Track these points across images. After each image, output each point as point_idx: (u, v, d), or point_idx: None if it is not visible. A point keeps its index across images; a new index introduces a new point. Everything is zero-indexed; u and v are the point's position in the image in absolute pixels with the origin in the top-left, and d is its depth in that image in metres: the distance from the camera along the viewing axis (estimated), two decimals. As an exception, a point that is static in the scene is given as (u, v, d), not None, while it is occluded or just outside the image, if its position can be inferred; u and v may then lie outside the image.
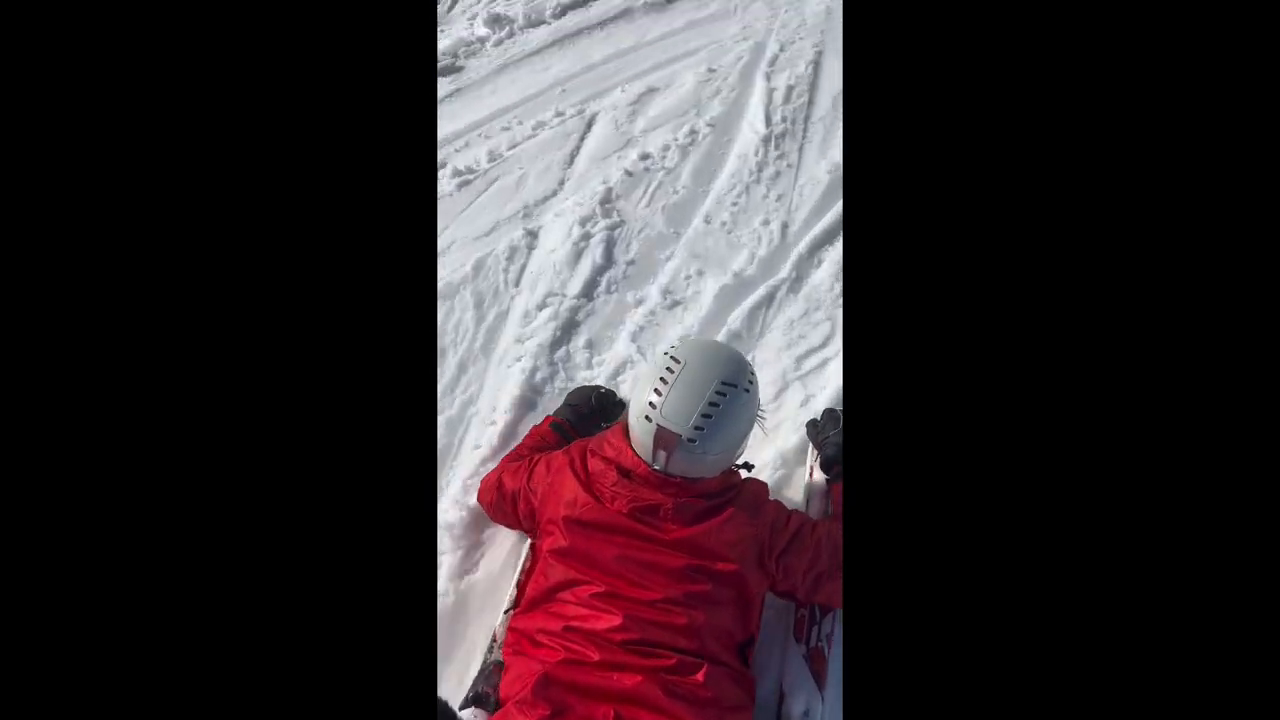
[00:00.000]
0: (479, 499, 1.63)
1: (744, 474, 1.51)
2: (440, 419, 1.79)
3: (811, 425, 1.70)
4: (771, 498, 1.47)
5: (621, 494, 1.38)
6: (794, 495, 1.67)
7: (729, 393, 1.34)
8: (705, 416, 1.31)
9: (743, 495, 1.42)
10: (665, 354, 1.39)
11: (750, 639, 1.42)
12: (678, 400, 1.32)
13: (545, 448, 1.62)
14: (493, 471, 1.62)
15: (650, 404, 1.34)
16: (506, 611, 1.49)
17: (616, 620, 1.30)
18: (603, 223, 2.23)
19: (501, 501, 1.56)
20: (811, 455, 1.69)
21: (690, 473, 1.36)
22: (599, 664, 1.28)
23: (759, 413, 1.43)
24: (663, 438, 1.33)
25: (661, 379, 1.35)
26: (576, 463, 1.44)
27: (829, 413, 1.69)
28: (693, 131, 2.50)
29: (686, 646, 1.30)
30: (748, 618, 1.40)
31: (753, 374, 1.41)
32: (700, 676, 1.28)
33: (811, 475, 1.67)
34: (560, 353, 1.96)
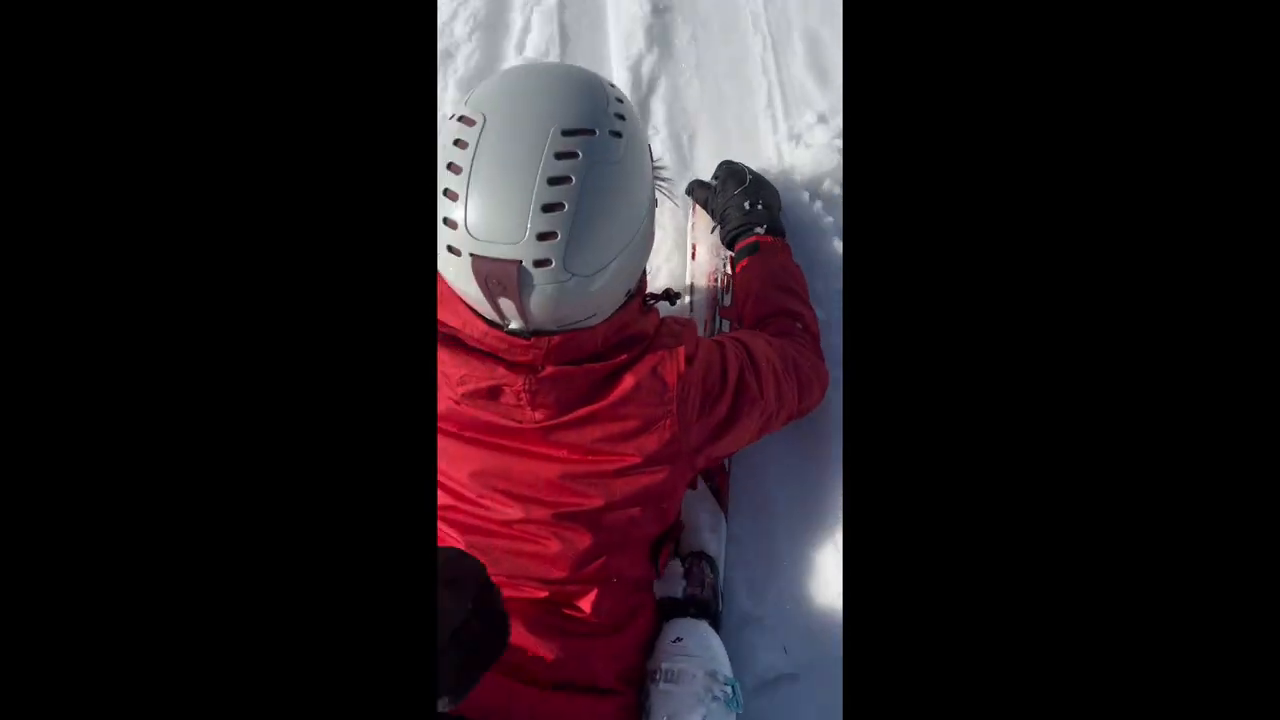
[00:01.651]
0: None
1: (663, 309, 1.01)
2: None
3: (699, 185, 1.30)
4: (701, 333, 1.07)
5: (449, 372, 0.85)
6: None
7: (583, 148, 0.74)
8: (551, 208, 0.73)
9: (652, 350, 0.90)
10: (451, 117, 0.77)
11: (670, 528, 1.07)
12: (490, 197, 0.73)
13: None
14: None
15: (446, 220, 0.75)
16: None
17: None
18: None
19: None
20: (693, 231, 1.36)
21: (570, 314, 0.81)
22: None
23: (656, 169, 0.87)
24: (490, 272, 0.75)
25: (451, 165, 0.75)
26: None
27: (726, 165, 1.28)
28: None
29: (564, 576, 0.94)
30: (665, 513, 1.01)
31: (620, 101, 0.80)
32: (585, 604, 0.95)
33: (694, 257, 1.35)
34: None
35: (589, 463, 0.90)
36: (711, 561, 1.21)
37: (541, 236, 0.74)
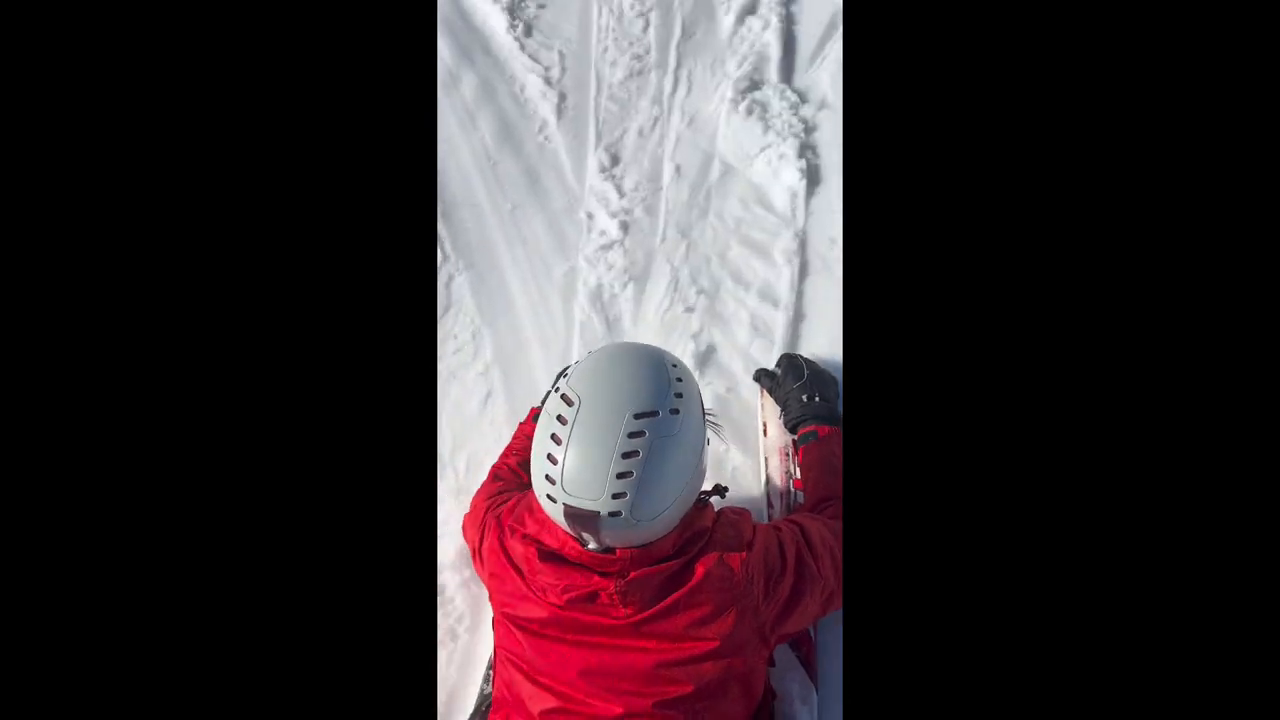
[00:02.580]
0: (463, 536, 1.30)
1: (716, 502, 1.16)
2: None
3: (765, 375, 1.45)
4: (755, 520, 1.16)
5: (551, 583, 1.03)
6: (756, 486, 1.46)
7: (649, 428, 0.96)
8: (623, 476, 0.95)
9: (714, 541, 1.06)
10: (554, 390, 1.02)
11: (760, 704, 1.13)
12: (579, 464, 0.95)
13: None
14: (478, 492, 1.27)
15: (547, 477, 0.97)
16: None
17: None
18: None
19: (474, 553, 1.22)
20: (763, 411, 1.49)
21: (634, 540, 1.01)
22: None
23: (708, 419, 1.08)
24: (577, 517, 0.97)
25: (553, 436, 0.97)
26: (506, 538, 1.09)
27: (787, 359, 1.44)
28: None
29: None
30: (751, 690, 1.09)
31: (680, 380, 1.02)
32: None
33: (766, 434, 1.47)
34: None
35: (677, 650, 1.03)
36: (804, 733, 1.22)
37: (615, 495, 0.96)
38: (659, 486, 0.98)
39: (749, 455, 1.46)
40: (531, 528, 1.06)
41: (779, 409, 1.42)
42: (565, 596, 1.03)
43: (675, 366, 1.04)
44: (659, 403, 0.98)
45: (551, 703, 1.05)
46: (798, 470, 1.40)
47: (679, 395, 1.01)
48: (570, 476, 0.96)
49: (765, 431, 1.46)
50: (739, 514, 1.13)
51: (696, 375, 1.49)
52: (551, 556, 1.04)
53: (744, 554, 1.05)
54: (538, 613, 1.05)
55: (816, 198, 1.76)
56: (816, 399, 1.37)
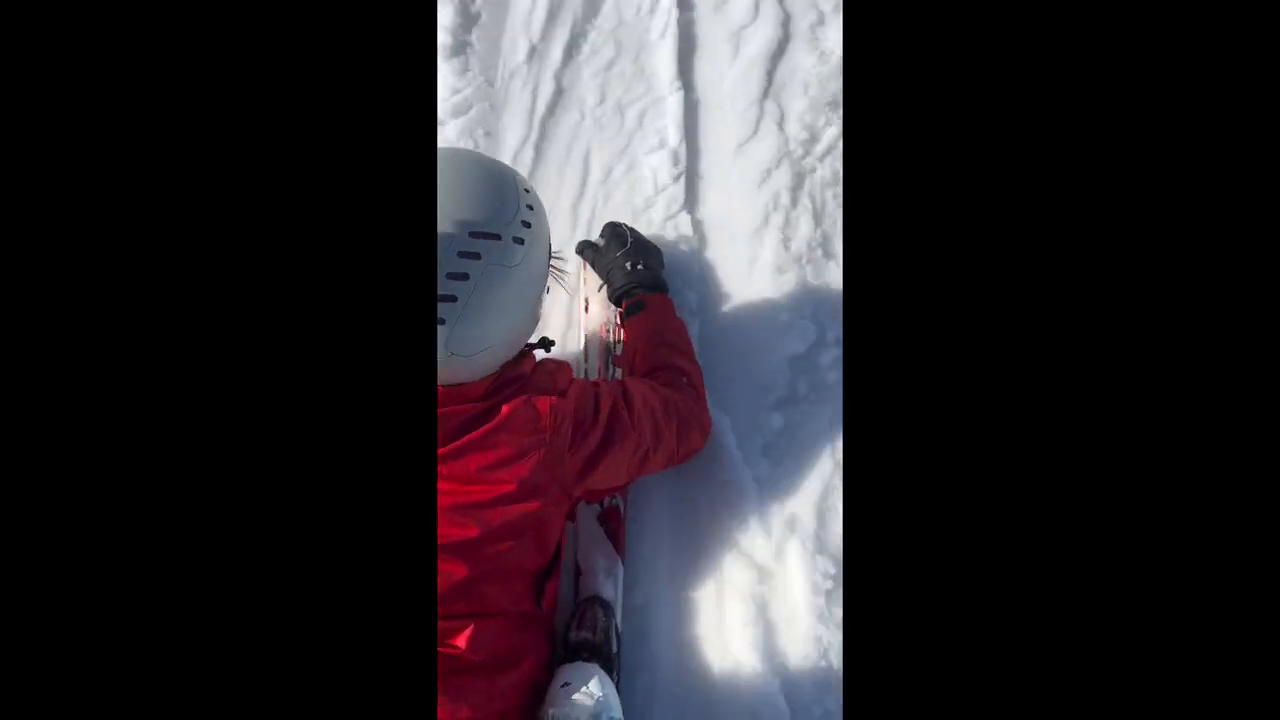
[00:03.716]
0: None
1: (539, 354, 1.09)
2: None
3: (588, 246, 1.37)
4: (577, 375, 1.12)
5: None
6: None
7: (485, 251, 0.85)
8: (447, 300, 0.84)
9: (527, 386, 0.98)
10: None
11: (551, 559, 1.09)
12: None
13: None
14: None
15: None
16: None
17: None
18: None
19: None
20: (585, 286, 1.42)
21: (446, 379, 0.92)
22: None
23: (553, 262, 0.98)
24: None
25: None
26: None
27: (610, 227, 1.35)
28: None
29: (442, 609, 0.96)
30: (544, 543, 1.04)
31: (531, 207, 0.91)
32: (461, 640, 0.96)
33: (587, 310, 1.41)
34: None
35: (466, 494, 0.95)
36: (607, 606, 1.21)
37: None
38: (483, 321, 0.86)
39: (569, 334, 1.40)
40: None
41: (600, 283, 1.36)
42: None
43: (528, 192, 0.93)
44: (502, 225, 0.86)
45: None
46: (618, 347, 1.35)
47: (527, 225, 0.89)
48: None
49: (586, 308, 1.40)
50: (558, 364, 1.06)
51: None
52: None
53: (554, 399, 0.98)
54: None
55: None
56: (641, 267, 1.30)
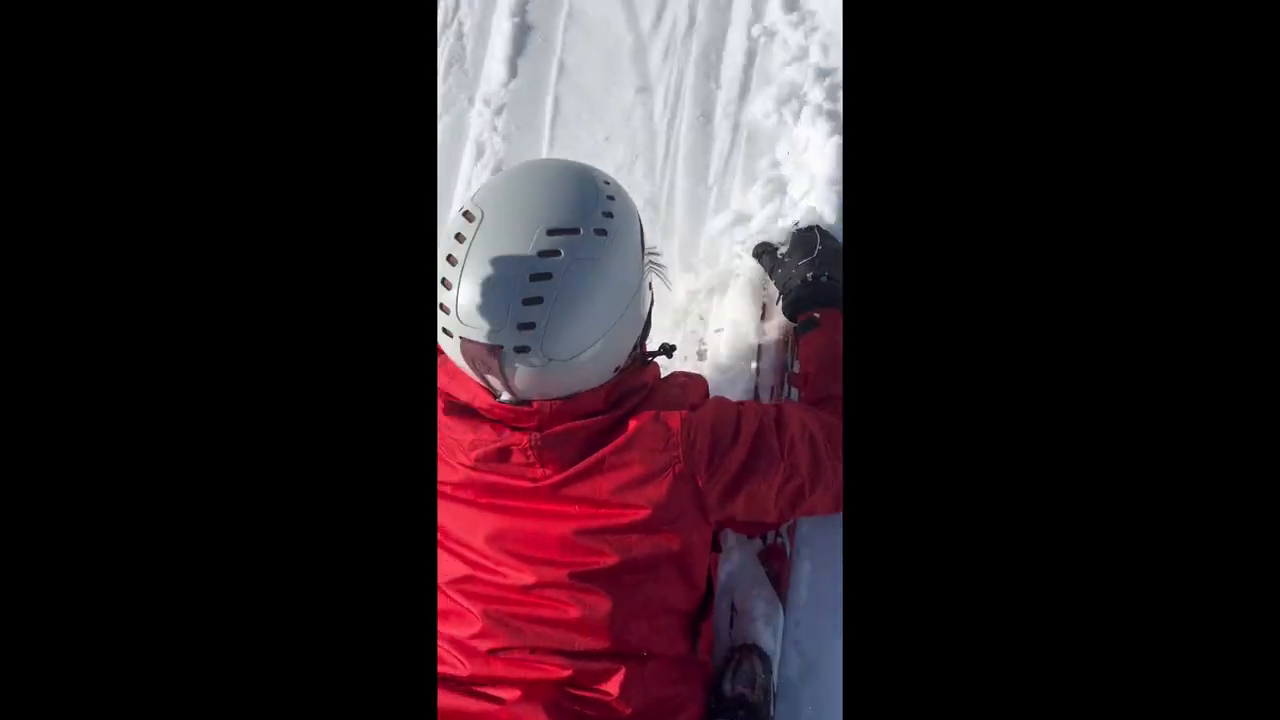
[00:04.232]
0: None
1: (662, 362, 1.00)
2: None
3: (765, 250, 1.21)
4: (714, 394, 0.99)
5: (459, 439, 0.88)
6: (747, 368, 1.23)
7: (566, 247, 0.79)
8: (532, 302, 0.79)
9: (654, 398, 0.91)
10: (460, 211, 0.84)
11: (704, 601, 0.98)
12: (477, 287, 0.79)
13: None
14: None
15: (442, 306, 0.81)
16: None
17: (474, 621, 0.89)
18: None
19: None
20: (762, 292, 1.26)
21: (553, 390, 0.85)
22: (467, 682, 0.89)
23: (648, 256, 0.90)
24: (475, 355, 0.81)
25: (449, 257, 0.80)
26: None
27: (799, 232, 1.18)
28: None
29: (589, 647, 0.89)
30: (691, 576, 0.94)
31: (612, 199, 0.85)
32: (613, 686, 0.88)
33: (765, 317, 1.25)
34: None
35: (600, 517, 0.88)
36: (764, 658, 1.08)
37: (522, 326, 0.80)
38: (578, 319, 0.81)
39: (737, 355, 1.25)
40: (441, 380, 0.90)
41: (778, 296, 1.19)
42: (474, 454, 0.87)
43: (608, 184, 0.87)
44: (581, 219, 0.81)
45: (460, 571, 0.91)
46: (796, 364, 1.19)
47: (609, 215, 0.83)
48: (468, 303, 0.79)
49: (765, 314, 1.24)
50: (691, 377, 0.98)
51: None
52: (460, 409, 0.89)
53: (686, 413, 0.89)
54: (450, 475, 0.90)
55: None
56: (824, 279, 1.13)
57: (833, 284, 1.14)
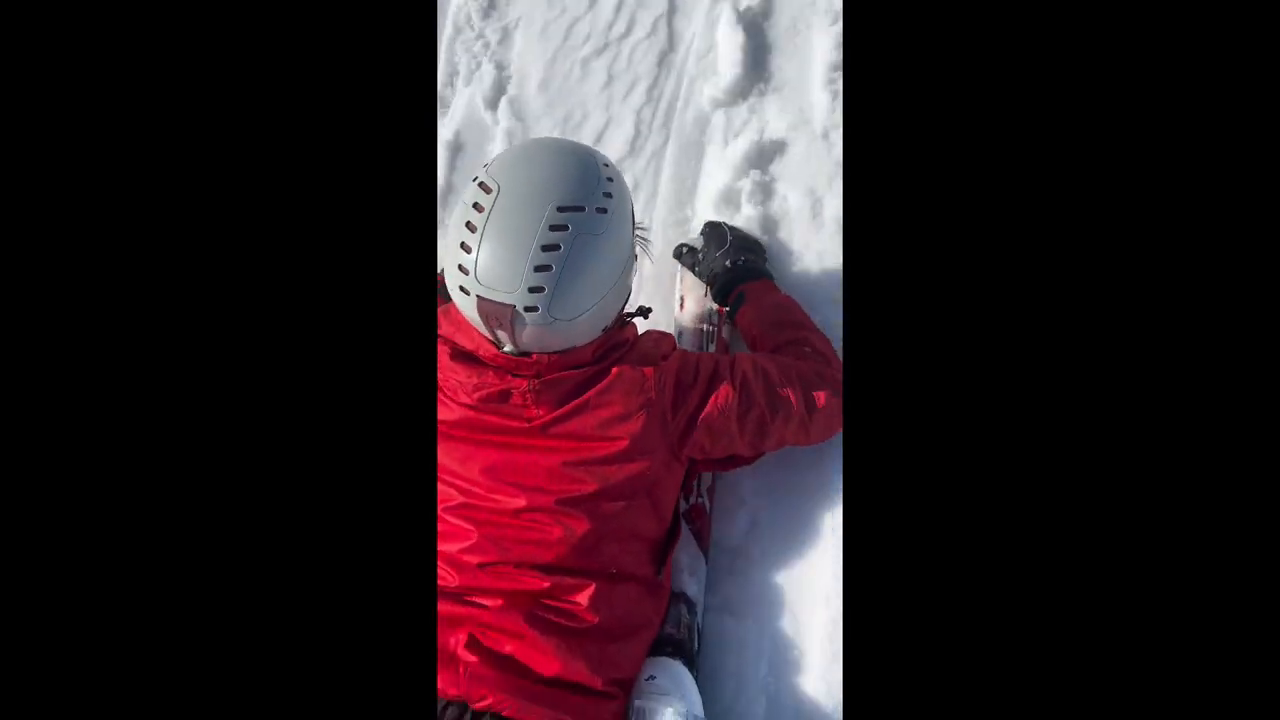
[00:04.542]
0: None
1: (640, 323, 1.14)
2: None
3: (686, 251, 1.36)
4: (680, 346, 1.15)
5: (462, 382, 1.01)
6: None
7: (573, 222, 0.92)
8: (542, 269, 0.91)
9: (633, 352, 1.06)
10: (474, 181, 0.95)
11: (670, 532, 1.14)
12: (496, 253, 0.91)
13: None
14: None
15: (460, 267, 0.93)
16: None
17: (470, 538, 1.02)
18: None
19: None
20: (680, 285, 1.42)
21: (552, 344, 0.99)
22: (455, 590, 1.02)
23: (637, 232, 1.05)
24: (490, 312, 0.93)
25: (468, 224, 0.92)
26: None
27: (710, 227, 1.35)
28: None
29: (565, 564, 1.02)
30: (660, 507, 1.10)
31: (611, 180, 0.97)
32: (583, 598, 1.02)
33: (682, 308, 1.41)
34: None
35: (584, 449, 1.02)
36: (690, 602, 1.23)
37: (532, 289, 0.92)
38: (578, 285, 0.94)
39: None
40: (446, 329, 1.03)
41: (700, 283, 1.36)
42: (477, 394, 1.00)
43: (607, 166, 1.00)
44: (585, 198, 0.94)
45: (455, 499, 1.04)
46: (711, 345, 1.35)
47: (608, 195, 0.96)
48: (485, 267, 0.92)
49: (682, 306, 1.40)
50: (662, 334, 1.13)
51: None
52: (465, 356, 1.01)
53: (659, 362, 1.05)
54: (446, 414, 1.03)
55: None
56: (742, 261, 1.29)
57: (750, 263, 1.30)
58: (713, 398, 1.06)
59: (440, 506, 1.04)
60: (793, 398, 1.10)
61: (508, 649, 0.99)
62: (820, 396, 1.11)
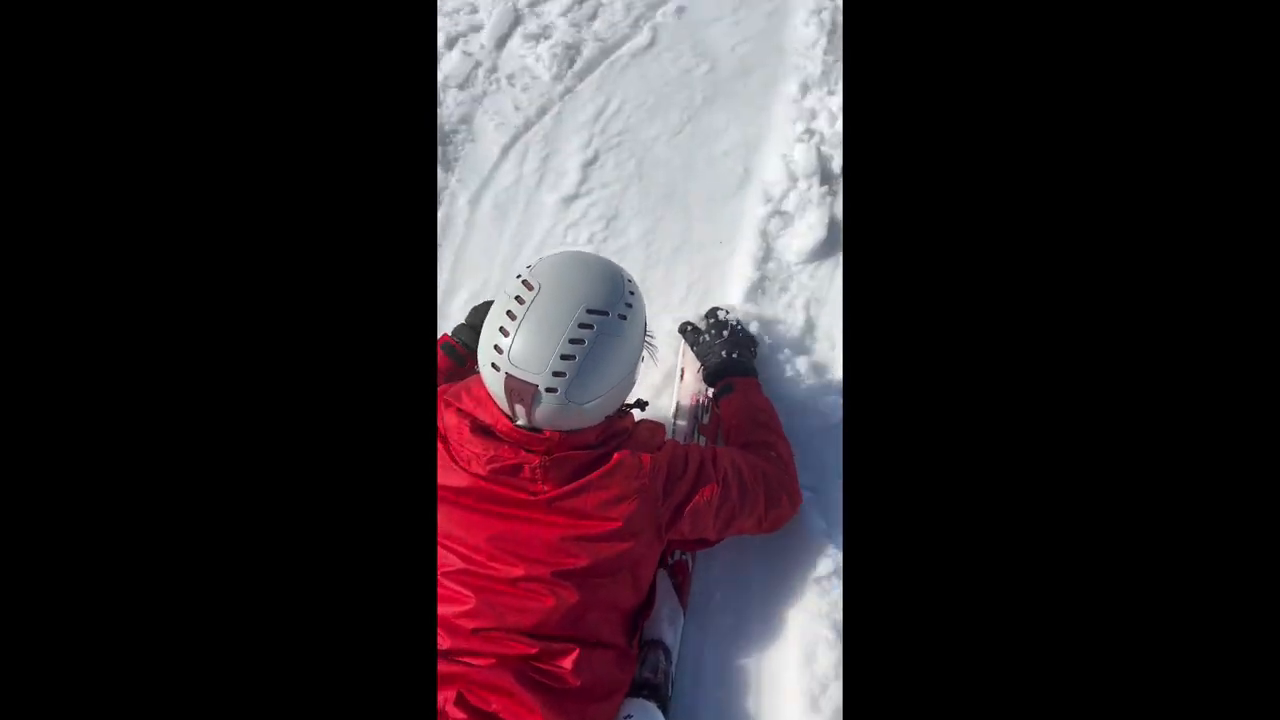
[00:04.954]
0: None
1: (637, 414, 1.30)
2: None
3: (690, 329, 1.54)
4: (669, 436, 1.30)
5: (478, 454, 1.13)
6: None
7: (597, 324, 1.07)
8: (566, 358, 1.06)
9: (631, 440, 1.20)
10: (517, 277, 1.11)
11: (644, 603, 1.27)
12: (529, 340, 1.06)
13: (446, 377, 1.32)
14: None
15: (496, 347, 1.08)
16: None
17: (468, 604, 1.13)
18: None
19: None
20: (682, 358, 1.58)
21: (562, 425, 1.12)
22: (448, 652, 1.13)
23: (647, 339, 1.20)
24: (516, 388, 1.08)
25: (509, 312, 1.08)
26: (440, 410, 1.17)
27: (714, 315, 1.53)
28: None
29: (553, 631, 1.13)
30: (639, 582, 1.23)
31: (632, 294, 1.14)
32: (568, 663, 1.13)
33: (682, 379, 1.56)
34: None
35: (582, 526, 1.14)
36: (667, 650, 1.35)
37: (555, 374, 1.07)
38: (594, 376, 1.09)
39: (664, 398, 1.55)
40: (468, 404, 1.16)
41: (698, 361, 1.52)
42: (490, 466, 1.12)
43: (630, 281, 1.17)
44: (611, 305, 1.10)
45: (455, 565, 1.14)
46: (705, 417, 1.50)
47: (629, 305, 1.13)
48: (518, 350, 1.06)
49: (682, 376, 1.55)
50: (656, 425, 1.29)
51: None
52: (483, 430, 1.14)
53: (654, 452, 1.19)
54: (457, 481, 1.14)
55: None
56: (736, 356, 1.47)
57: (743, 360, 1.48)
58: (700, 491, 1.21)
59: (440, 571, 1.14)
60: (760, 499, 1.28)
61: (494, 706, 1.08)
62: (780, 499, 1.31)
